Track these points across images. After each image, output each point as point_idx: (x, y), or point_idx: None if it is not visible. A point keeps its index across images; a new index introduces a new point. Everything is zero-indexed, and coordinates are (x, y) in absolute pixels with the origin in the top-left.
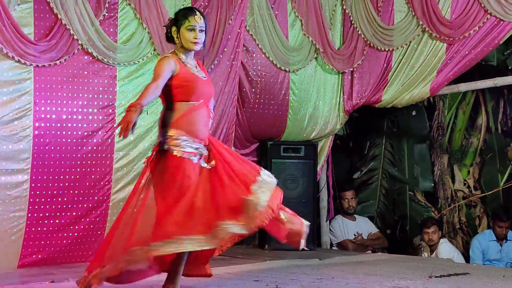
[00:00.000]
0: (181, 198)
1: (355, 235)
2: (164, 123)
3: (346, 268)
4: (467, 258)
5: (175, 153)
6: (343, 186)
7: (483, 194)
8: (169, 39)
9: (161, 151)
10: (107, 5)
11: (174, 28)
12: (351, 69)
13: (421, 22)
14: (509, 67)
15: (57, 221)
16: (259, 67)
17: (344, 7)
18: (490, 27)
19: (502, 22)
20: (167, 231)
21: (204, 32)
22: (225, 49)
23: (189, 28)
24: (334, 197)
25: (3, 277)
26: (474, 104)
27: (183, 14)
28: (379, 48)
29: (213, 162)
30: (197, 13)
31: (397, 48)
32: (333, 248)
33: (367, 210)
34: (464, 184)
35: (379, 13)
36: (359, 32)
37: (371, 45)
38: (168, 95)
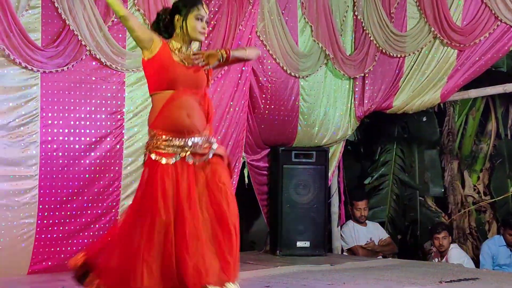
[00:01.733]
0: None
1: (368, 241)
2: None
3: (357, 274)
4: (477, 263)
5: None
6: (356, 195)
7: (493, 200)
8: (165, 27)
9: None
10: None
11: (177, 16)
12: (363, 75)
13: (432, 29)
14: None
15: (66, 227)
16: (269, 73)
17: (356, 13)
18: (500, 33)
19: None
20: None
21: (208, 23)
22: None
23: (199, 17)
24: (345, 203)
25: (14, 284)
26: (484, 110)
27: (192, 2)
28: (391, 54)
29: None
30: (203, 3)
31: (409, 54)
32: (344, 253)
33: (378, 215)
34: (474, 189)
35: (392, 19)
36: (371, 38)
37: (383, 51)
38: (149, 87)
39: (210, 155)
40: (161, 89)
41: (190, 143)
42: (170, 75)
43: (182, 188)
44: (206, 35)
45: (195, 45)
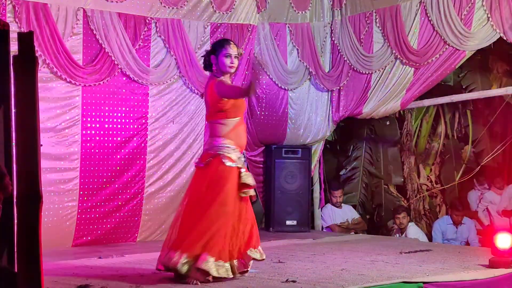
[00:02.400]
0: None
1: (342, 222)
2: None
3: (334, 246)
4: (430, 238)
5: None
6: (333, 185)
7: (442, 187)
8: (206, 66)
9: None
10: (142, 36)
11: (213, 56)
12: (338, 88)
13: (394, 51)
14: (463, 86)
15: (102, 209)
16: (264, 86)
17: (333, 39)
18: (448, 55)
19: (457, 51)
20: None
21: (238, 58)
22: (237, 71)
23: (227, 55)
24: (325, 190)
25: (61, 254)
26: (435, 116)
27: (221, 43)
28: (360, 71)
29: None
30: (231, 42)
31: (375, 71)
32: (323, 230)
33: (350, 200)
34: (427, 179)
35: (361, 43)
36: (345, 59)
37: (355, 68)
38: (223, 111)
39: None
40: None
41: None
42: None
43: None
44: (234, 68)
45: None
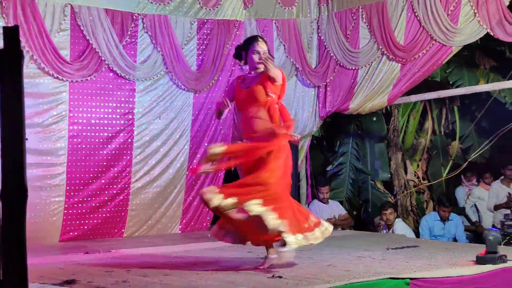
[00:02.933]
0: None
1: (330, 217)
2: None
3: (321, 242)
4: (417, 234)
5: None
6: (320, 181)
7: (430, 183)
8: (238, 57)
9: None
10: (129, 32)
11: (243, 53)
12: (325, 83)
13: (380, 47)
14: (450, 82)
15: (88, 204)
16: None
17: (319, 34)
18: (435, 50)
19: (444, 46)
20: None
21: (267, 54)
22: (224, 67)
23: (255, 52)
24: (312, 186)
25: (48, 249)
26: (422, 112)
27: (249, 41)
28: (347, 67)
29: None
30: (260, 39)
31: (362, 67)
32: None
33: (337, 195)
34: (415, 175)
35: (348, 39)
36: (332, 54)
37: (341, 64)
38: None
39: None
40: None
41: None
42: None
43: None
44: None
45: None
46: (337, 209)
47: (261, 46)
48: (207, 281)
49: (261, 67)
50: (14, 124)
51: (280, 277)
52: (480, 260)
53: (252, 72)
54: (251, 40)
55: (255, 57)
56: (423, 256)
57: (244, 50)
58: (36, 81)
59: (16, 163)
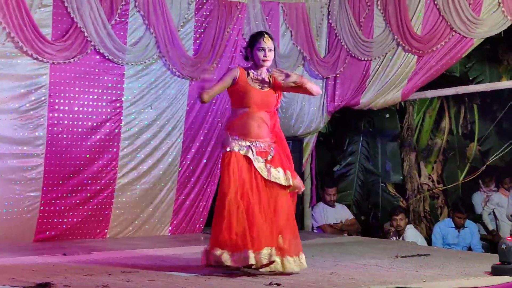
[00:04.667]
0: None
1: (336, 222)
2: (225, 125)
3: (325, 248)
4: (429, 242)
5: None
6: (327, 182)
7: (445, 187)
8: (246, 58)
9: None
10: (119, 11)
11: (249, 49)
12: (334, 75)
13: (396, 37)
14: (470, 78)
15: (68, 201)
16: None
17: (330, 21)
18: (454, 42)
19: (465, 38)
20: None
21: (273, 51)
22: (223, 53)
23: (261, 48)
24: (317, 187)
25: (21, 249)
26: (439, 110)
27: (255, 37)
28: (359, 58)
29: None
30: (266, 35)
31: (375, 58)
32: (314, 231)
33: (345, 198)
34: (429, 178)
35: (361, 27)
36: (343, 43)
37: (353, 55)
38: (231, 101)
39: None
40: (239, 106)
41: (253, 145)
42: (246, 98)
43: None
44: (268, 61)
45: (263, 70)
46: (344, 213)
47: (267, 42)
48: (198, 286)
49: (266, 64)
50: None
51: (278, 284)
52: (496, 271)
53: (258, 71)
54: (257, 36)
55: (260, 54)
56: (434, 265)
57: (249, 46)
58: (13, 61)
59: None
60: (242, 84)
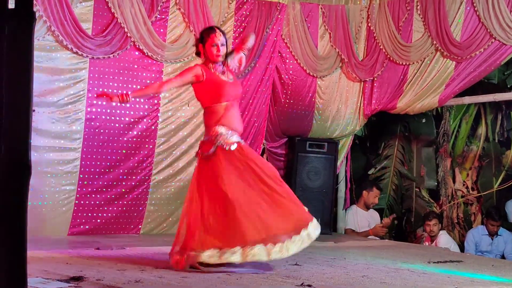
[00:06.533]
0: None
1: (365, 229)
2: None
3: (357, 251)
4: (462, 249)
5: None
6: (377, 186)
7: (479, 194)
8: (198, 54)
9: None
10: (159, 8)
11: (201, 45)
12: (372, 78)
13: (435, 42)
14: (508, 86)
15: (103, 196)
16: (290, 72)
17: (369, 24)
18: (494, 49)
19: (504, 45)
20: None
21: (225, 45)
22: (262, 54)
23: (213, 44)
24: (351, 189)
25: (55, 242)
26: (476, 116)
27: (206, 33)
28: (397, 62)
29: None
30: (217, 30)
31: (413, 63)
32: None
33: (378, 202)
34: (463, 184)
35: (400, 31)
36: (381, 47)
37: (391, 58)
38: (203, 100)
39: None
40: (219, 102)
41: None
42: (223, 92)
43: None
44: (221, 56)
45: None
46: (375, 218)
47: (219, 38)
48: (229, 286)
49: (220, 59)
50: (21, 91)
51: (309, 285)
52: None
53: (211, 65)
54: (208, 32)
55: (214, 50)
56: (467, 272)
57: (201, 42)
58: (53, 55)
59: (20, 135)
60: (213, 79)
